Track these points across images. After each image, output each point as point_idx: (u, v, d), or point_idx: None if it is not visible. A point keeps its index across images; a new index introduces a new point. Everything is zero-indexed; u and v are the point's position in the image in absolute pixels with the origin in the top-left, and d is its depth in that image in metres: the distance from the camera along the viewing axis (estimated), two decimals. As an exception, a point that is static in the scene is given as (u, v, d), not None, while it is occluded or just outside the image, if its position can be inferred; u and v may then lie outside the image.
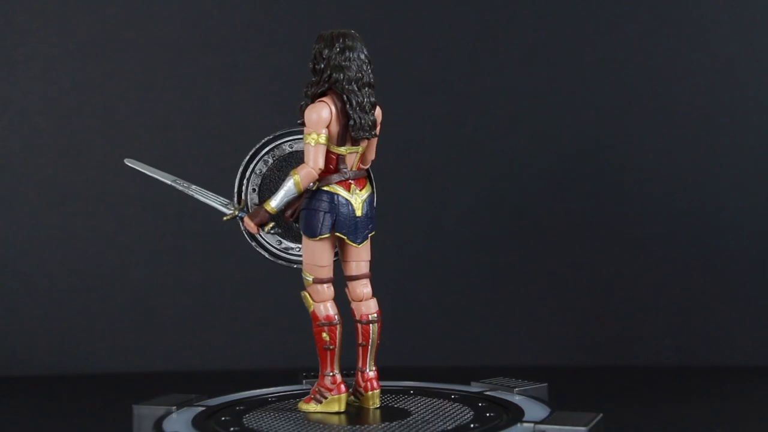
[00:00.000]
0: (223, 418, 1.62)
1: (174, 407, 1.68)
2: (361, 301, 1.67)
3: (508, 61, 2.64)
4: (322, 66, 1.61)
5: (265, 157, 1.75)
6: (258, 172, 1.75)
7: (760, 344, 2.50)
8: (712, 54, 2.59)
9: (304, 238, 1.63)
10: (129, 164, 1.80)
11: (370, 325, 1.66)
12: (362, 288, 1.67)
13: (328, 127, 1.59)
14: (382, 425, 1.56)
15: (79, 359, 2.52)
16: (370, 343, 1.66)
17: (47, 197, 2.59)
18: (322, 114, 1.59)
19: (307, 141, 1.59)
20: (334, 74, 1.61)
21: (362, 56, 1.62)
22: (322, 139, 1.59)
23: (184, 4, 2.65)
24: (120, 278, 2.59)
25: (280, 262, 1.76)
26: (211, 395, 1.79)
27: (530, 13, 2.64)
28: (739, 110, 2.58)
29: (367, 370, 1.67)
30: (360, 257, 1.66)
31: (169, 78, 2.63)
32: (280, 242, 1.75)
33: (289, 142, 1.76)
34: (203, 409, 1.69)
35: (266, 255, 1.75)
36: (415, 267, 2.62)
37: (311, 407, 1.65)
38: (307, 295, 1.65)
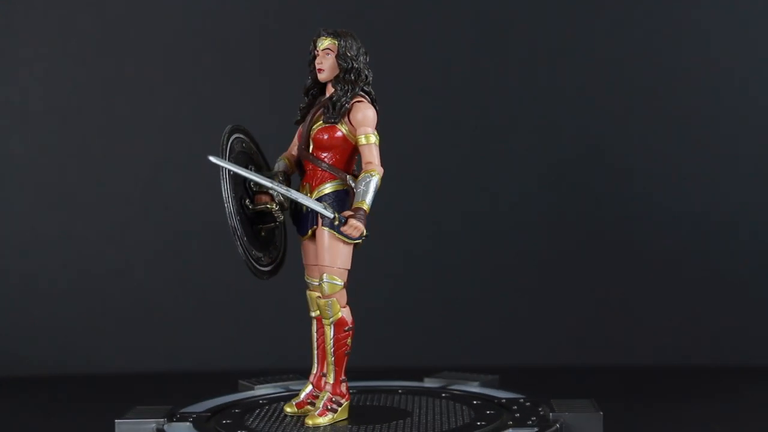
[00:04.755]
0: (224, 421, 1.62)
1: (163, 420, 1.60)
2: None
3: (508, 61, 2.64)
4: (360, 66, 1.59)
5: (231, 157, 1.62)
6: (231, 173, 1.59)
7: (759, 344, 2.50)
8: (712, 55, 2.58)
9: (341, 243, 1.55)
10: (216, 162, 1.58)
11: None
12: None
13: None
14: (391, 425, 1.56)
15: (79, 359, 2.52)
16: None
17: (48, 197, 2.59)
18: (371, 114, 1.57)
19: (370, 141, 1.56)
20: (370, 76, 1.60)
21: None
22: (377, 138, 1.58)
23: (185, 4, 2.65)
24: (121, 278, 2.59)
25: (264, 277, 1.61)
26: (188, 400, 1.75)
27: (531, 13, 2.64)
28: (739, 111, 2.58)
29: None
30: None
31: (169, 78, 2.63)
32: (251, 252, 1.60)
33: (237, 140, 1.65)
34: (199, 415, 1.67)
35: (257, 266, 1.59)
36: (414, 267, 2.62)
37: (327, 420, 1.57)
38: (336, 302, 1.57)
